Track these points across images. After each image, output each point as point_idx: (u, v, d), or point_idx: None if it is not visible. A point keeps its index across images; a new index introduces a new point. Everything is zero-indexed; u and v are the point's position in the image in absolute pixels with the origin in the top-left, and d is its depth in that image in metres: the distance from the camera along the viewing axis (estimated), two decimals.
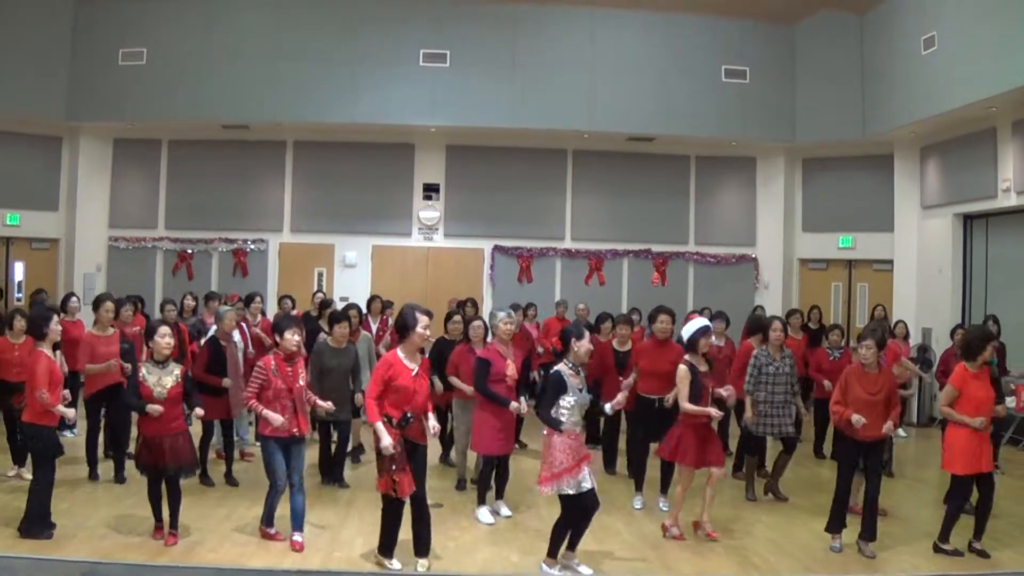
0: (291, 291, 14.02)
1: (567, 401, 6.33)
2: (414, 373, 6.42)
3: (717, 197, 16.80)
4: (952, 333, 11.21)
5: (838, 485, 7.37)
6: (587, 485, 6.33)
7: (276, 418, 6.83)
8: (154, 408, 6.82)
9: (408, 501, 6.40)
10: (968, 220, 14.21)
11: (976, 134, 13.28)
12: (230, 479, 9.00)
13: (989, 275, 13.81)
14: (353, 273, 16.24)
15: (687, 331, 7.57)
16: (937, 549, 7.31)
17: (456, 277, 16.18)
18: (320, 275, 16.25)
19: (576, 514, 6.39)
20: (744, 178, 16.78)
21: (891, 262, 15.60)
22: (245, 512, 7.95)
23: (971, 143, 13.45)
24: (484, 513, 8.00)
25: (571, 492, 6.29)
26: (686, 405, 7.33)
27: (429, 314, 6.55)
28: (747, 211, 16.77)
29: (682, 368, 7.40)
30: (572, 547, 6.59)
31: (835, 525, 7.35)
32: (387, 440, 6.19)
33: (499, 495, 8.27)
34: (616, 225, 16.53)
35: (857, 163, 15.91)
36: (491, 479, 8.24)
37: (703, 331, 7.53)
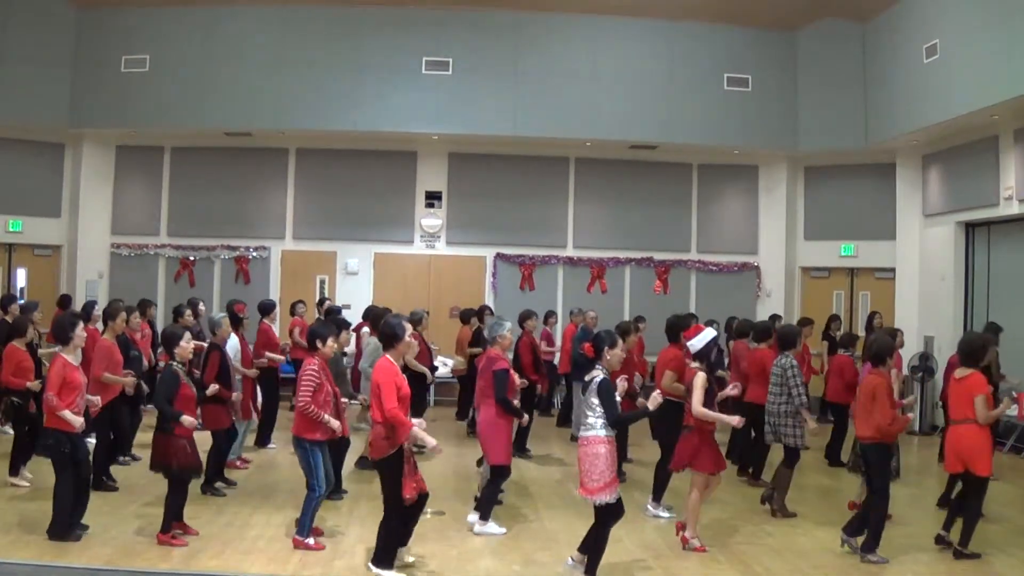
0: (293, 299, 14.03)
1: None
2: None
3: (719, 205, 16.81)
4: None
5: (884, 500, 7.32)
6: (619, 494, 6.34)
7: (335, 423, 7.09)
8: (189, 420, 7.04)
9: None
10: (970, 228, 14.19)
11: (978, 142, 13.27)
12: (215, 489, 8.87)
13: (991, 283, 13.79)
14: (355, 281, 16.24)
15: (698, 342, 7.53)
16: (959, 555, 7.30)
17: (458, 285, 16.18)
18: (322, 283, 16.25)
19: (613, 519, 6.33)
20: (746, 186, 16.79)
21: (893, 270, 15.58)
22: (247, 519, 7.95)
23: (973, 151, 13.45)
24: (493, 525, 7.86)
25: (614, 501, 6.25)
26: (700, 409, 7.29)
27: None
28: (749, 219, 16.77)
29: (700, 375, 7.38)
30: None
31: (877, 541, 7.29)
32: (433, 440, 6.42)
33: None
34: (618, 233, 16.53)
35: (859, 171, 15.90)
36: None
37: (715, 342, 7.56)
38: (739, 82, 15.48)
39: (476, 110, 15.13)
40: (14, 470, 8.79)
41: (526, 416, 8.12)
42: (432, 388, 14.99)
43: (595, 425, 6.27)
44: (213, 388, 8.01)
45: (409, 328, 6.63)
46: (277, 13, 15.09)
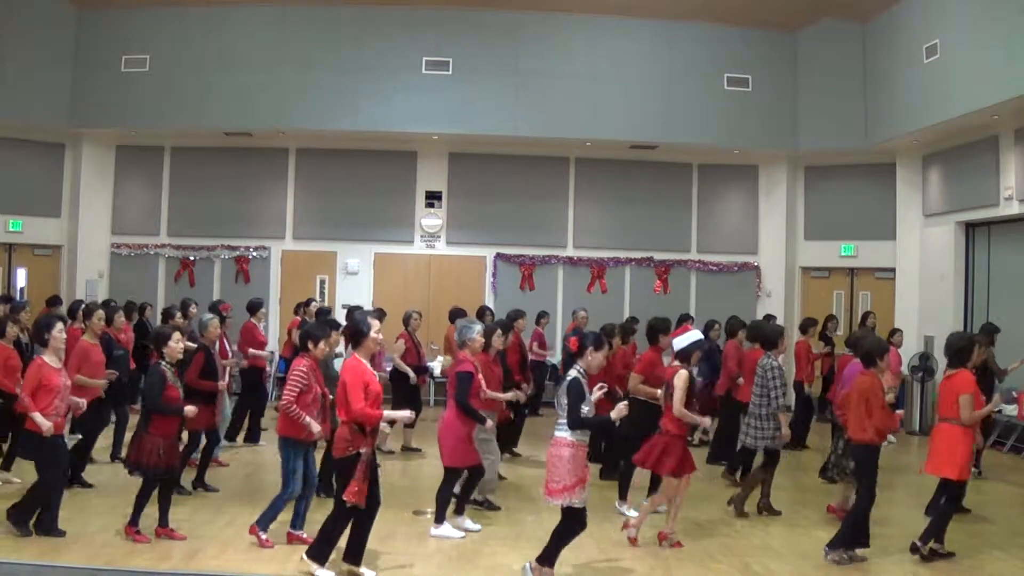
0: (293, 299, 14.03)
1: (582, 410, 6.21)
2: (377, 377, 6.53)
3: (719, 205, 16.81)
4: None
5: (869, 500, 7.29)
6: (584, 501, 6.26)
7: (316, 426, 7.02)
8: (191, 409, 7.07)
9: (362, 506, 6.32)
10: (970, 228, 14.20)
11: (978, 142, 13.28)
12: (206, 486, 8.90)
13: (991, 283, 13.80)
14: (355, 281, 16.23)
15: (680, 342, 7.53)
16: (934, 554, 7.27)
17: (458, 285, 16.15)
18: (322, 283, 16.25)
19: (577, 526, 6.31)
20: (746, 186, 16.79)
21: (893, 270, 15.58)
22: (247, 519, 7.92)
23: (973, 151, 13.45)
24: (451, 529, 7.77)
25: (579, 505, 6.20)
26: (680, 409, 7.29)
27: (381, 318, 6.86)
28: (749, 219, 16.77)
29: (683, 373, 7.37)
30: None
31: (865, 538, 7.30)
32: (405, 413, 6.53)
33: (462, 510, 7.98)
34: (618, 233, 16.53)
35: (859, 171, 15.90)
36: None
37: (697, 344, 7.53)
38: (739, 82, 15.48)
39: (476, 110, 15.12)
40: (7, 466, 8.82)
41: (489, 422, 8.04)
42: (432, 388, 15.04)
43: (564, 426, 6.23)
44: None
45: (376, 324, 6.53)
46: (277, 13, 15.09)
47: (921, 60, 13.13)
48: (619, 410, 6.33)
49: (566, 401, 6.19)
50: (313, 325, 8.10)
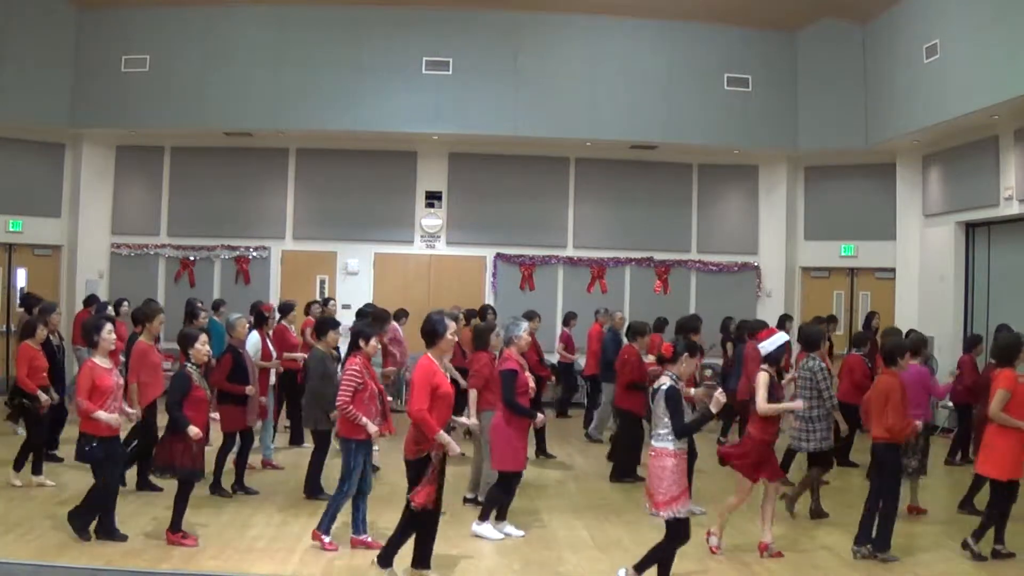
0: (293, 299, 13.96)
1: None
2: (449, 378, 6.49)
3: (719, 205, 16.80)
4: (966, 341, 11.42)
5: (893, 499, 7.31)
6: (688, 511, 6.18)
7: (372, 427, 7.04)
8: (194, 431, 6.94)
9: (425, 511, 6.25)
10: (970, 228, 14.18)
11: (978, 142, 13.26)
12: (246, 489, 8.89)
13: (991, 283, 13.78)
14: (355, 281, 16.24)
15: (769, 345, 7.43)
16: (966, 546, 7.31)
17: (458, 285, 16.16)
18: (322, 282, 16.25)
19: (679, 538, 6.19)
20: (746, 186, 16.78)
21: (893, 270, 15.56)
22: (247, 519, 7.94)
23: (973, 151, 13.44)
24: (489, 527, 7.77)
25: (684, 516, 6.10)
26: (765, 407, 7.18)
27: (400, 318, 6.75)
28: (749, 219, 16.77)
29: (763, 375, 7.30)
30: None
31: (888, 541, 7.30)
32: (456, 448, 6.25)
33: (504, 515, 7.93)
34: (618, 233, 16.53)
35: (859, 171, 15.90)
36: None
37: (786, 346, 7.54)
38: (739, 82, 15.47)
39: (476, 110, 15.12)
40: (19, 467, 8.79)
41: (541, 416, 7.97)
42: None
43: (664, 436, 6.10)
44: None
45: (453, 326, 6.47)
46: (277, 13, 15.08)
47: (921, 60, 13.12)
48: (717, 401, 6.17)
49: (662, 410, 6.08)
50: (363, 323, 8.10)
